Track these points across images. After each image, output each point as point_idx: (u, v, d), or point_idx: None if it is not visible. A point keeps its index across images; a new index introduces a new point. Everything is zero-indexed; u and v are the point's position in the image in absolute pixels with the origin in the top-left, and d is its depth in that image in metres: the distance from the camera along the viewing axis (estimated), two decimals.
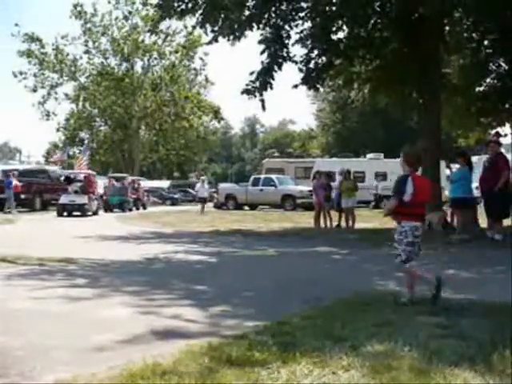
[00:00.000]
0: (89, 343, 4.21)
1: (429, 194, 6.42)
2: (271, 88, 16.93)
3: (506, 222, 14.26)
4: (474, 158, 15.14)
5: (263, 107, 17.33)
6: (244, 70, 18.57)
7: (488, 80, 21.44)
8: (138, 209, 37.64)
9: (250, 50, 24.58)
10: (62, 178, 32.44)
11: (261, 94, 16.94)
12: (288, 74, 18.68)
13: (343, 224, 18.72)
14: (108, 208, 33.82)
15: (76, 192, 28.71)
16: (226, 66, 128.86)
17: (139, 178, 45.77)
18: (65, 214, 27.33)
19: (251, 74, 16.93)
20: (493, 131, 22.61)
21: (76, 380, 3.31)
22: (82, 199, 28.42)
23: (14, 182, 29.97)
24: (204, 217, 26.64)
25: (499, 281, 7.79)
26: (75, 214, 27.48)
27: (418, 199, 6.02)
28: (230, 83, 67.82)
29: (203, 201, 31.80)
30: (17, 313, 5.43)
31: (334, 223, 19.06)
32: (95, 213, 29.22)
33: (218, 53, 76.13)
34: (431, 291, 5.73)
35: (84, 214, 27.57)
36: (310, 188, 25.48)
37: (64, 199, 28.11)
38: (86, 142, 48.87)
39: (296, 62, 17.34)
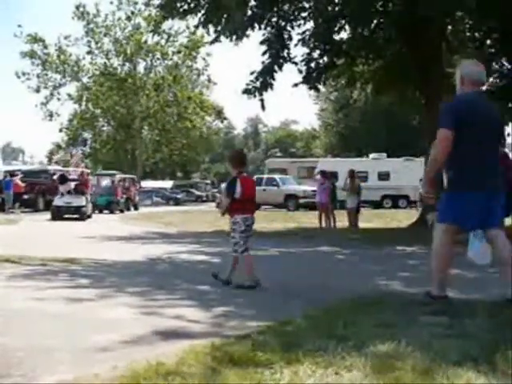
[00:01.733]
0: (91, 344, 4.21)
1: (253, 191, 7.54)
2: (271, 88, 16.97)
3: (506, 222, 14.24)
4: None
5: (263, 107, 17.37)
6: (246, 69, 18.62)
7: (491, 79, 21.43)
8: (128, 209, 35.05)
9: (252, 49, 24.68)
10: (55, 177, 30.29)
11: (261, 94, 16.97)
12: (291, 74, 18.69)
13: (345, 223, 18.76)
14: (94, 209, 29.69)
15: (69, 192, 26.27)
16: (229, 66, 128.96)
17: (131, 176, 43.54)
18: (59, 216, 24.37)
19: (252, 73, 16.97)
20: None
21: (78, 381, 3.30)
22: (80, 201, 25.63)
23: (17, 181, 30.08)
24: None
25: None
26: (71, 217, 24.67)
27: (246, 196, 7.26)
28: (233, 83, 67.96)
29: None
30: (19, 313, 5.43)
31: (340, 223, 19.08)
32: (89, 215, 26.27)
33: (220, 53, 76.19)
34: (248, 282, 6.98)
35: (81, 218, 24.74)
36: (313, 188, 25.49)
37: (59, 201, 25.53)
38: (80, 138, 47.73)
39: (296, 63, 17.38)
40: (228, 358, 3.68)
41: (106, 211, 31.03)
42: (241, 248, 7.30)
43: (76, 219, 24.31)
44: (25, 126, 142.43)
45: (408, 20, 17.07)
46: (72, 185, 27.30)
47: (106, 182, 35.47)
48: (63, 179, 27.31)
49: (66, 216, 24.53)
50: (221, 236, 15.71)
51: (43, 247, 11.78)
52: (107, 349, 4.09)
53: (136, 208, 37.58)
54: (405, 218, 21.74)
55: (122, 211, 32.60)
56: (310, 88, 18.64)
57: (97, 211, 30.02)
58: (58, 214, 24.55)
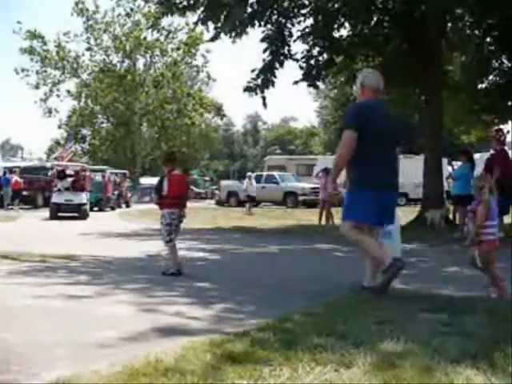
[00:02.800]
0: (90, 340, 4.21)
1: (183, 187, 8.39)
2: (273, 86, 16.96)
3: (506, 220, 14.24)
4: (476, 156, 15.12)
5: (264, 105, 17.36)
6: (246, 66, 18.61)
7: (490, 77, 21.45)
8: (119, 207, 33.70)
9: (252, 46, 24.67)
10: (50, 173, 28.99)
11: (262, 92, 16.96)
12: (290, 71, 18.67)
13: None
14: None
15: (67, 189, 24.01)
16: (228, 62, 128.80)
17: (123, 171, 41.97)
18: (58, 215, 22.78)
19: (253, 71, 16.95)
20: (496, 127, 22.60)
21: (77, 377, 3.30)
22: (80, 198, 23.62)
23: (16, 178, 30.05)
24: (250, 216, 24.50)
25: None
26: (72, 216, 22.87)
27: (172, 192, 8.05)
28: (232, 80, 67.96)
29: (252, 199, 28.47)
30: (18, 309, 5.43)
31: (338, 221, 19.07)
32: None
33: (219, 49, 76.16)
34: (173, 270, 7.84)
35: (82, 216, 22.91)
36: (312, 185, 25.44)
37: (58, 197, 23.44)
38: (72, 131, 46.34)
39: (297, 60, 17.35)
40: (227, 355, 3.68)
41: (95, 209, 28.88)
42: (165, 239, 8.17)
43: (75, 218, 22.67)
44: (24, 122, 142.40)
45: (408, 17, 17.06)
46: (68, 181, 24.98)
47: (95, 178, 33.09)
48: (63, 175, 25.06)
49: (67, 215, 22.93)
50: (219, 233, 15.73)
51: (42, 244, 11.78)
52: (106, 345, 4.09)
53: (128, 205, 35.85)
54: (404, 215, 21.68)
55: (112, 208, 31.36)
56: (310, 85, 18.62)
57: None
58: (58, 212, 22.88)
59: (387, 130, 6.29)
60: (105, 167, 38.90)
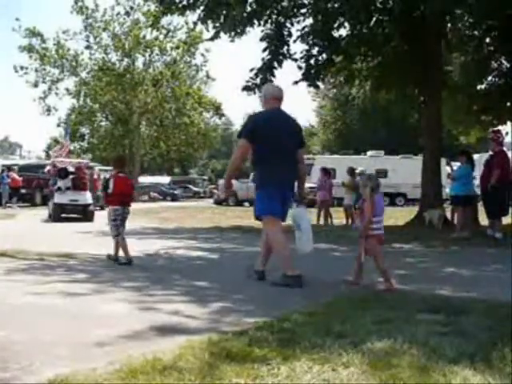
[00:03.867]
0: (88, 338, 4.21)
1: (127, 187, 9.32)
2: None
3: (506, 221, 14.27)
4: (475, 156, 15.13)
5: None
6: (246, 66, 18.59)
7: (489, 78, 21.46)
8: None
9: (252, 45, 24.71)
10: (46, 169, 26.87)
11: (261, 91, 16.94)
12: (289, 71, 18.67)
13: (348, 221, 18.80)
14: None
15: (68, 188, 21.68)
16: (228, 62, 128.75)
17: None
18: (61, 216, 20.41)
19: (251, 70, 16.94)
20: (494, 129, 22.63)
21: (75, 375, 3.31)
22: (86, 198, 21.44)
23: (14, 175, 30.06)
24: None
25: (499, 279, 7.80)
26: (76, 217, 20.84)
27: (117, 191, 9.03)
28: (231, 79, 67.89)
29: None
30: (16, 307, 5.43)
31: (336, 221, 19.13)
32: None
33: (219, 49, 76.11)
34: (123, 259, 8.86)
35: (88, 218, 20.67)
36: (311, 184, 25.41)
37: (61, 198, 20.94)
38: (67, 128, 44.64)
39: (296, 60, 17.34)
40: (225, 354, 3.69)
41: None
42: (113, 233, 9.13)
43: (79, 219, 20.64)
44: (23, 120, 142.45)
45: (407, 17, 17.06)
46: (69, 179, 22.45)
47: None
48: (64, 172, 22.39)
49: (71, 216, 20.92)
50: (218, 232, 15.74)
51: (40, 242, 11.77)
52: (104, 344, 4.09)
53: None
54: (402, 215, 21.73)
55: (102, 208, 27.59)
56: (310, 85, 18.61)
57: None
58: (61, 214, 20.54)
59: (283, 136, 7.17)
60: (92, 164, 37.12)
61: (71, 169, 23.14)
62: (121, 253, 9.06)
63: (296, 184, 7.53)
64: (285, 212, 7.28)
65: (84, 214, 20.98)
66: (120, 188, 9.08)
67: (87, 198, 21.58)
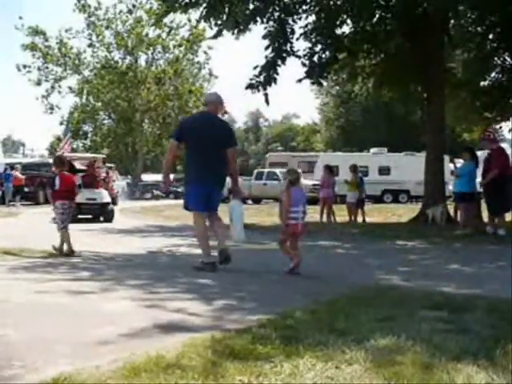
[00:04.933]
0: (92, 336, 4.21)
1: (71, 183, 10.29)
2: (275, 83, 16.94)
3: (508, 217, 14.24)
4: (479, 153, 15.10)
5: (267, 102, 17.33)
6: (248, 63, 18.57)
7: (492, 74, 21.45)
8: None
9: (254, 43, 24.70)
10: (51, 160, 24.60)
11: (264, 89, 16.93)
12: (292, 68, 18.67)
13: (359, 219, 18.82)
14: None
15: (79, 186, 16.68)
16: (230, 59, 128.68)
17: (109, 164, 36.92)
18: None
19: (255, 68, 16.93)
20: (497, 126, 22.61)
21: (79, 373, 3.31)
22: (103, 195, 19.56)
23: (17, 174, 30.11)
24: None
25: (502, 276, 7.79)
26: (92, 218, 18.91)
27: (62, 187, 9.86)
28: (234, 77, 67.77)
29: None
30: (20, 305, 5.43)
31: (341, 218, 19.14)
32: None
33: (222, 46, 76.03)
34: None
35: (108, 218, 19.02)
36: (314, 182, 25.37)
37: (78, 196, 17.07)
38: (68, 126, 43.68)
39: (299, 57, 17.33)
40: (228, 352, 3.69)
41: None
42: (60, 226, 9.79)
43: (94, 219, 18.89)
44: (25, 119, 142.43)
45: (410, 14, 17.04)
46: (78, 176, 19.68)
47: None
48: (75, 169, 19.04)
49: (88, 217, 18.98)
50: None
51: (43, 240, 11.78)
52: (108, 341, 4.09)
53: (114, 202, 28.61)
54: (405, 212, 21.73)
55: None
56: (314, 83, 18.60)
57: None
58: (78, 215, 17.52)
59: (210, 137, 7.90)
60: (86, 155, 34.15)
61: (78, 166, 20.68)
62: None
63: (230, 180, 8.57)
64: (211, 206, 8.09)
65: (103, 214, 19.18)
66: (66, 184, 9.94)
67: (104, 195, 19.72)
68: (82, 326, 4.61)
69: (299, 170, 9.14)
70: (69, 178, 10.26)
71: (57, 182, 9.94)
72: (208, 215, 8.17)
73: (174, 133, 8.53)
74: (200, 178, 7.94)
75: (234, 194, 8.95)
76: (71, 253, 9.61)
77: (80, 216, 18.24)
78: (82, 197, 17.31)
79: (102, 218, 19.29)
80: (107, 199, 19.63)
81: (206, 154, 7.91)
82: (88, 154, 27.68)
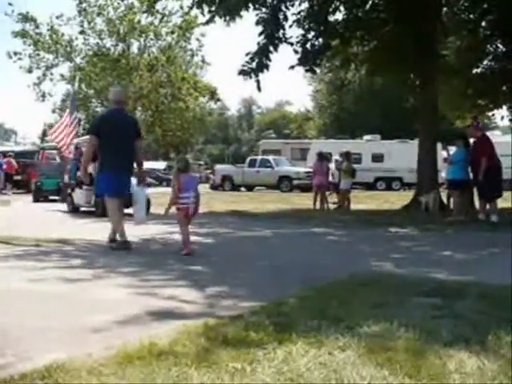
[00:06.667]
0: (85, 324, 4.21)
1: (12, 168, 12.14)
2: (267, 69, 16.85)
3: (506, 204, 14.29)
4: (471, 140, 15.11)
5: (259, 88, 17.28)
6: (241, 50, 18.47)
7: (485, 62, 21.43)
8: None
9: (247, 30, 24.58)
10: (68, 152, 22.37)
11: (256, 75, 16.86)
12: (286, 55, 18.59)
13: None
14: (39, 195, 22.77)
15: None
16: (223, 46, 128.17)
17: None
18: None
19: (247, 54, 16.84)
20: (490, 113, 22.65)
21: (72, 360, 3.31)
22: (133, 184, 16.21)
23: (10, 160, 30.01)
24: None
25: (494, 262, 7.83)
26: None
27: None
28: (227, 64, 67.49)
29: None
30: (13, 293, 5.43)
31: (333, 205, 19.18)
32: None
33: (214, 33, 75.81)
34: None
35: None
36: (307, 169, 25.38)
37: None
38: (72, 98, 40.03)
39: (292, 44, 17.25)
40: (221, 338, 3.70)
41: (54, 197, 22.50)
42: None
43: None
44: (17, 106, 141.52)
45: (403, 1, 16.99)
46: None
47: (54, 159, 26.76)
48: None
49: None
50: (213, 217, 15.73)
51: (36, 228, 11.76)
52: (101, 329, 4.10)
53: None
54: (398, 199, 21.77)
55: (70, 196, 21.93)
56: (307, 70, 18.54)
57: (42, 198, 23.11)
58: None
59: (120, 130, 8.94)
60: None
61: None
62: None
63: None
64: (122, 191, 9.15)
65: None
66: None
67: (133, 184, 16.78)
68: (75, 314, 4.61)
69: (188, 158, 9.82)
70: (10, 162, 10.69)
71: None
72: (119, 199, 9.11)
73: (92, 129, 9.48)
74: (112, 167, 8.89)
75: (139, 180, 9.88)
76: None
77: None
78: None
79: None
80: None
81: (117, 146, 8.88)
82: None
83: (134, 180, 10.03)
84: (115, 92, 10.17)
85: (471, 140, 14.11)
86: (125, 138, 9.01)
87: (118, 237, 8.88)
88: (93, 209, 15.88)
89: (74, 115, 23.15)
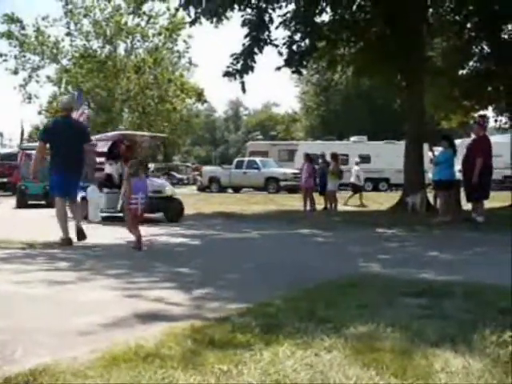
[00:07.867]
0: (71, 326, 4.19)
1: None
2: (252, 71, 16.85)
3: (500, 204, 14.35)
4: (457, 142, 15.19)
5: (243, 90, 17.27)
6: (229, 52, 18.43)
7: (471, 63, 21.53)
8: None
9: (234, 32, 24.55)
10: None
11: (241, 77, 16.85)
12: (272, 56, 18.59)
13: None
14: (23, 201, 20.81)
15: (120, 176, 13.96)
16: (210, 48, 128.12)
17: None
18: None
19: (232, 56, 16.83)
20: (475, 114, 22.76)
21: (57, 364, 3.29)
22: (165, 185, 15.48)
23: None
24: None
25: (480, 262, 7.87)
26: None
27: None
28: (214, 66, 67.44)
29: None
30: None
31: (320, 206, 19.19)
32: None
33: (202, 35, 75.65)
34: None
35: (174, 217, 14.60)
36: (294, 170, 25.38)
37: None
38: (78, 93, 39.75)
39: (277, 46, 17.25)
40: (208, 340, 3.69)
41: (39, 202, 20.41)
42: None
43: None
44: (3, 108, 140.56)
45: (389, 2, 17.05)
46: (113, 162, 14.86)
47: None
48: (117, 152, 15.01)
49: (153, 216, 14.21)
50: (200, 218, 15.71)
51: (22, 230, 11.70)
52: (87, 331, 4.08)
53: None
54: (385, 200, 21.84)
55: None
56: (294, 72, 18.55)
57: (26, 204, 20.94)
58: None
59: (67, 136, 9.64)
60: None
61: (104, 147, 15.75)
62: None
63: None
64: (70, 191, 9.92)
65: (169, 212, 14.78)
66: None
67: (166, 184, 15.75)
68: (62, 316, 4.59)
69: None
70: None
71: None
72: (68, 199, 9.89)
73: (42, 135, 10.48)
74: (61, 170, 9.63)
75: (90, 181, 11.10)
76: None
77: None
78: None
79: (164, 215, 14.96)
80: (170, 191, 15.19)
81: (66, 150, 9.59)
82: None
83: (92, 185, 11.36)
84: (62, 101, 11.46)
85: (464, 140, 14.16)
86: (71, 143, 9.67)
87: (61, 234, 9.53)
88: (119, 214, 13.10)
89: (80, 110, 21.16)
